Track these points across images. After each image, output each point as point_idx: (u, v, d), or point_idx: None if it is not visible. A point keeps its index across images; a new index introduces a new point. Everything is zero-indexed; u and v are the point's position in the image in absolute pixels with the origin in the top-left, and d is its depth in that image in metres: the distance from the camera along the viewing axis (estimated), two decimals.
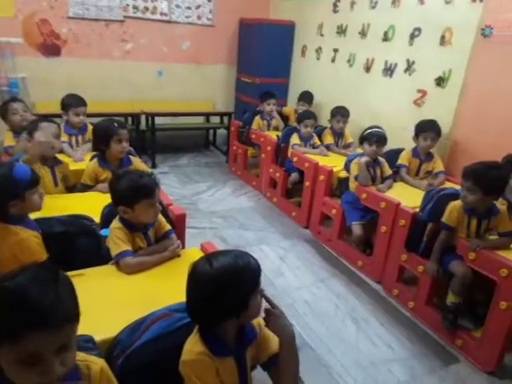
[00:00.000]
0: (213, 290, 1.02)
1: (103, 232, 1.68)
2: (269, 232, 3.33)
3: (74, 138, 3.16)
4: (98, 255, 1.60)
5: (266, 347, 1.19)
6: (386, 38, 3.57)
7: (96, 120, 3.74)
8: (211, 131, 5.63)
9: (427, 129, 2.91)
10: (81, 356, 0.95)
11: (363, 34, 3.81)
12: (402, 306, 2.46)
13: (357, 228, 2.81)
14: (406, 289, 2.47)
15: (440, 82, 3.11)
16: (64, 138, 3.04)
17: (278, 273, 2.74)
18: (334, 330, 2.22)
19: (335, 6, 4.14)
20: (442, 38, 3.06)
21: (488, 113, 2.82)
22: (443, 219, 2.14)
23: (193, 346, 1.05)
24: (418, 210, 2.37)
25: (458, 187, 2.27)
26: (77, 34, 4.54)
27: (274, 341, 1.20)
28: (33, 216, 1.60)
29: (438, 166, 2.97)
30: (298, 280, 2.69)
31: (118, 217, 1.67)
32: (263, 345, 1.19)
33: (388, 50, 3.56)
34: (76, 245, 1.57)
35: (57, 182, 2.30)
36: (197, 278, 1.06)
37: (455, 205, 2.13)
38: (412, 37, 3.31)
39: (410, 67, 3.36)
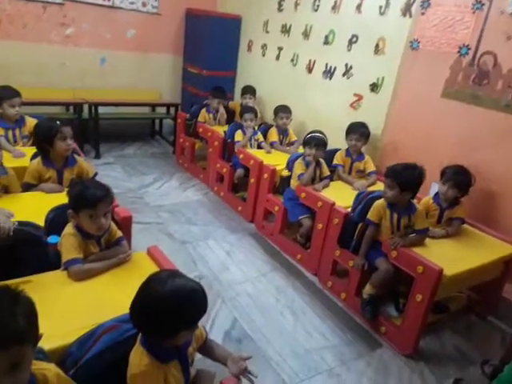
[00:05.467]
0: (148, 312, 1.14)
1: (50, 239, 1.70)
2: (215, 226, 3.45)
3: (10, 132, 3.04)
4: (46, 264, 1.63)
5: (199, 339, 1.38)
6: (326, 42, 3.75)
7: (34, 108, 3.64)
8: (157, 120, 5.57)
9: (352, 130, 3.20)
10: (34, 364, 1.00)
11: (306, 35, 3.97)
12: (335, 296, 2.71)
13: (306, 221, 2.95)
14: (338, 281, 2.72)
15: (374, 87, 3.36)
16: (0, 132, 2.94)
17: (223, 267, 2.88)
18: (274, 322, 2.41)
19: (280, 4, 4.25)
20: (377, 46, 3.30)
21: (414, 118, 3.11)
22: (368, 216, 2.40)
23: (140, 359, 1.15)
24: (350, 210, 2.60)
25: None
26: (10, 15, 4.29)
27: (201, 331, 1.39)
28: None
29: (370, 166, 3.24)
30: (242, 274, 2.84)
31: (71, 222, 1.71)
32: (197, 339, 1.36)
33: (328, 54, 3.75)
34: (22, 256, 1.58)
35: None
36: (141, 293, 1.17)
37: (378, 202, 2.39)
38: (350, 43, 3.52)
39: (347, 71, 3.58)
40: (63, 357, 1.22)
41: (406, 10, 3.05)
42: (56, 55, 4.61)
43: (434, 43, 2.89)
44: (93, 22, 4.71)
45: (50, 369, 1.05)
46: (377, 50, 3.30)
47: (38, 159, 2.42)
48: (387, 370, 2.19)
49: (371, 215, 2.38)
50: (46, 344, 1.17)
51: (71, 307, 1.49)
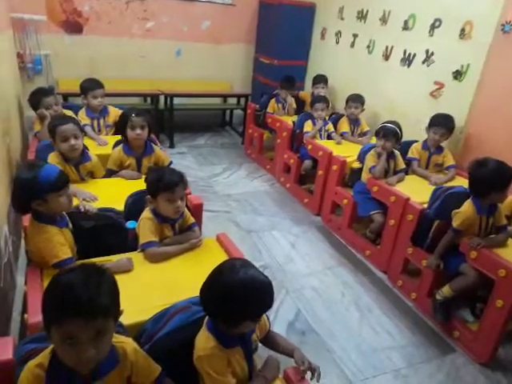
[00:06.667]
0: (219, 299, 1.17)
1: (129, 224, 1.82)
2: (281, 218, 3.46)
3: (95, 122, 3.28)
4: (124, 247, 1.75)
5: (263, 329, 1.40)
6: (406, 27, 3.54)
7: (115, 99, 3.89)
8: (228, 111, 5.69)
9: (439, 123, 2.96)
10: (115, 337, 1.10)
11: (384, 20, 3.78)
12: (404, 296, 2.59)
13: (378, 216, 2.83)
14: (409, 280, 2.59)
15: (457, 75, 3.11)
16: (86, 121, 3.19)
17: (288, 259, 2.88)
18: (339, 317, 2.37)
19: None
20: (462, 30, 3.04)
21: (503, 109, 2.83)
22: (455, 225, 2.18)
23: (205, 343, 1.20)
24: (426, 206, 2.46)
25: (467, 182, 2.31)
26: (98, 12, 4.60)
27: (265, 320, 1.41)
28: None
29: (449, 159, 3.02)
30: (307, 266, 2.82)
31: (149, 207, 1.82)
32: (261, 328, 1.38)
33: (407, 39, 3.54)
34: (105, 238, 1.72)
35: (83, 178, 2.40)
36: (213, 277, 1.21)
37: (467, 210, 2.16)
38: (432, 27, 3.28)
39: (428, 58, 3.35)
40: (139, 332, 1.30)
41: None
42: (136, 48, 4.88)
43: None
44: (171, 16, 4.90)
45: (128, 342, 1.14)
46: (462, 34, 3.04)
47: (120, 147, 2.60)
48: (459, 377, 2.06)
49: (459, 224, 2.16)
50: (124, 319, 1.26)
51: (147, 286, 1.60)
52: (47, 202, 1.56)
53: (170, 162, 2.70)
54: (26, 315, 1.38)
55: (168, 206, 1.78)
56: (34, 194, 1.54)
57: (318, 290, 2.59)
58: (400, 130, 2.89)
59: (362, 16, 4.06)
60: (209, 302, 1.21)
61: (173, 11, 4.88)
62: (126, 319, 1.27)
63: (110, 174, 2.55)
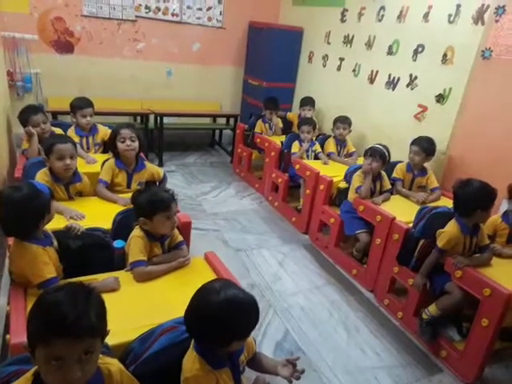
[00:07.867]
0: (203, 319, 1.17)
1: (116, 244, 1.81)
2: (269, 236, 3.47)
3: (84, 140, 3.28)
4: (111, 266, 1.74)
5: (250, 350, 1.40)
6: (390, 52, 3.67)
7: (105, 118, 3.91)
8: (217, 131, 5.74)
9: (414, 142, 3.05)
10: (100, 358, 1.08)
11: (369, 45, 3.91)
12: (391, 315, 2.60)
13: (364, 236, 2.86)
14: (396, 299, 2.61)
15: (440, 98, 3.22)
16: (75, 139, 3.17)
17: (276, 277, 2.88)
18: (327, 336, 2.37)
19: (343, 15, 4.23)
20: (444, 56, 3.16)
21: (483, 132, 2.93)
22: (440, 245, 2.21)
23: (192, 364, 1.19)
24: (411, 225, 2.50)
25: (452, 203, 2.35)
26: (90, 32, 4.66)
27: (252, 342, 1.41)
28: (52, 228, 1.73)
29: (433, 182, 3.07)
30: (294, 285, 2.82)
31: (140, 227, 1.82)
32: (248, 349, 1.38)
33: (392, 64, 3.66)
34: (91, 257, 1.71)
35: (71, 197, 2.39)
36: (195, 301, 1.21)
37: (452, 230, 2.20)
38: (415, 53, 3.41)
39: (412, 82, 3.46)
40: (125, 352, 1.29)
41: (478, 18, 2.90)
42: (127, 69, 4.93)
43: (508, 52, 2.71)
44: (162, 37, 4.98)
45: (113, 364, 1.13)
46: (444, 59, 3.16)
47: (112, 160, 2.61)
48: None
49: (444, 244, 2.18)
50: (110, 340, 1.24)
51: (134, 306, 1.58)
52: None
53: (164, 174, 2.72)
54: (8, 336, 1.35)
55: (165, 223, 1.79)
56: (47, 207, 1.57)
57: (306, 309, 2.58)
58: (388, 153, 2.95)
59: (348, 41, 4.19)
60: (193, 326, 1.21)
61: (163, 33, 4.97)
62: (111, 339, 1.25)
63: (104, 185, 2.51)
